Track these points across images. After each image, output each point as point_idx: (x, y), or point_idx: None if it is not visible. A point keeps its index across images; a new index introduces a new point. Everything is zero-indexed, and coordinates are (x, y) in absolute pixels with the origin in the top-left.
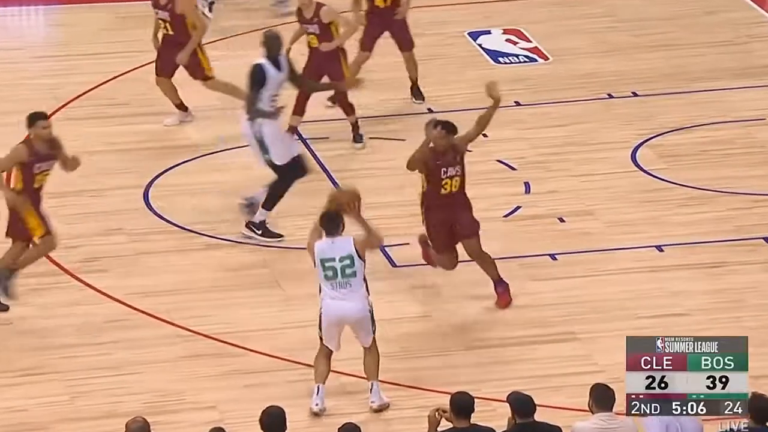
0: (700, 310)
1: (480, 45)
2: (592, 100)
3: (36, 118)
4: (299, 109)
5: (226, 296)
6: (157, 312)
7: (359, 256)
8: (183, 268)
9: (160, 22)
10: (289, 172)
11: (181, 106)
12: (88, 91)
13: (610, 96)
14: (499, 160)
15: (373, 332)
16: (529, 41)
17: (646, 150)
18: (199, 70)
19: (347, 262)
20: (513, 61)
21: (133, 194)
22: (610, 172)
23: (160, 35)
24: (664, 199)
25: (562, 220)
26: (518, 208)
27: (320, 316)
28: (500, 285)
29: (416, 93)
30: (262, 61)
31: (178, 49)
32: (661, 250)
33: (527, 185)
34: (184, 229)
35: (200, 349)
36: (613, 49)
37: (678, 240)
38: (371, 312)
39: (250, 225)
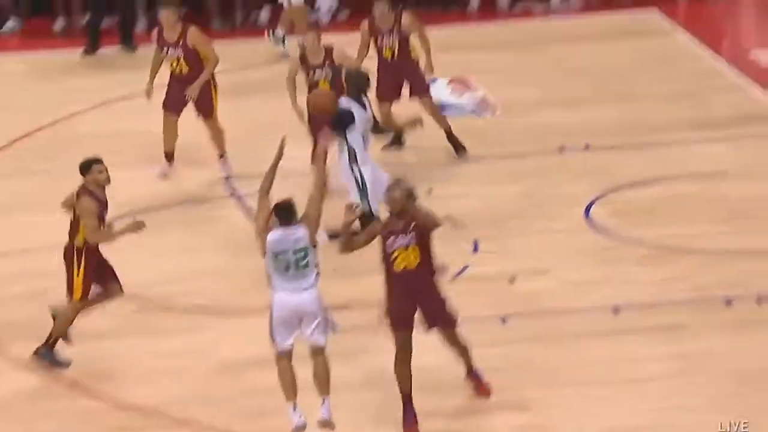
0: (660, 376)
1: None
2: (544, 154)
3: (91, 164)
4: None
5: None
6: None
7: (312, 244)
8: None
9: (174, 61)
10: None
11: (169, 157)
12: (11, 144)
13: (563, 149)
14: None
15: (325, 330)
16: (477, 91)
17: (600, 206)
18: (209, 106)
19: (301, 254)
20: (459, 112)
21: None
22: (563, 230)
23: (167, 75)
24: (619, 257)
25: (512, 281)
26: (466, 267)
27: (271, 315)
28: (473, 375)
29: (457, 145)
30: (345, 101)
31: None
32: (617, 312)
33: (476, 244)
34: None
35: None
36: (565, 100)
37: (634, 300)
38: (323, 304)
39: (329, 232)
